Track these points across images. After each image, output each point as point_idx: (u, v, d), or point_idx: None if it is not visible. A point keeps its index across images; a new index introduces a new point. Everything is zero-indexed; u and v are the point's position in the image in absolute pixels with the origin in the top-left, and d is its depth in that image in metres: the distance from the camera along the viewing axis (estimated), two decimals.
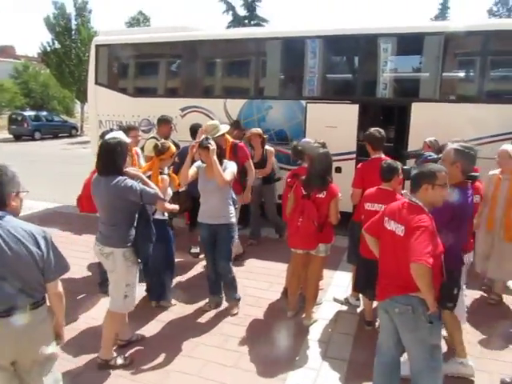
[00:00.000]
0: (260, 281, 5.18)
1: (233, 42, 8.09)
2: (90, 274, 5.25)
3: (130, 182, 3.33)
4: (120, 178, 3.32)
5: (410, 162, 5.46)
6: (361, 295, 4.53)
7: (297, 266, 4.27)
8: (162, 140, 5.07)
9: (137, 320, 4.10)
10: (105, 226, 3.45)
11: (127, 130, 5.11)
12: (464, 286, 3.65)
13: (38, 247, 2.29)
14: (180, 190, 4.84)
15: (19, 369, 2.31)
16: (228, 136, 5.44)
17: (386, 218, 2.79)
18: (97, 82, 8.92)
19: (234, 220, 4.31)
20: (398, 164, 3.79)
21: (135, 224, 3.44)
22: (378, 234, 2.92)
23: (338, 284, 5.06)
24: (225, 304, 4.50)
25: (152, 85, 9.10)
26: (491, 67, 6.78)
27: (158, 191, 3.60)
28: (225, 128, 5.23)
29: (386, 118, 8.11)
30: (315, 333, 4.06)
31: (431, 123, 6.28)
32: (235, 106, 7.70)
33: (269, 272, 5.41)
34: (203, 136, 4.85)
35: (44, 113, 28.50)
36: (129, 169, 3.62)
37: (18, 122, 25.53)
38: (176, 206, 4.24)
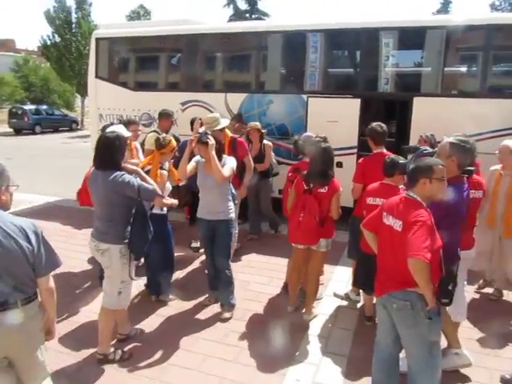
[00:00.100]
0: (260, 275, 5.17)
1: (234, 35, 8.03)
2: (90, 267, 5.24)
3: (127, 177, 3.28)
4: (118, 173, 3.26)
5: None
6: (361, 290, 4.54)
7: (297, 261, 4.25)
8: (163, 134, 5.05)
9: (136, 314, 4.11)
10: (101, 222, 3.39)
11: (127, 123, 5.08)
12: (465, 282, 3.64)
13: (29, 242, 2.27)
14: (180, 184, 4.82)
15: (12, 364, 2.31)
16: (227, 130, 5.40)
17: (385, 213, 2.77)
18: (97, 76, 8.88)
19: (232, 216, 4.26)
20: (401, 159, 3.76)
21: (132, 220, 3.37)
22: (376, 229, 2.90)
23: (338, 279, 5.05)
24: None
25: (153, 78, 9.05)
26: (494, 62, 6.73)
27: (157, 187, 3.56)
28: (225, 122, 5.17)
29: (388, 112, 8.07)
30: (315, 328, 4.05)
31: (433, 118, 6.25)
32: (236, 100, 7.66)
33: (269, 267, 5.40)
34: (202, 129, 4.83)
35: (44, 106, 28.42)
36: (128, 164, 3.59)
37: (19, 116, 25.45)
38: (175, 201, 4.22)
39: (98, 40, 8.88)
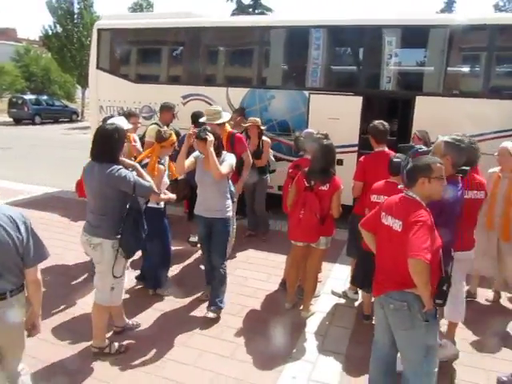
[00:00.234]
0: (258, 272, 5.16)
1: (237, 29, 7.98)
2: (87, 259, 5.20)
3: (124, 171, 3.21)
4: (115, 166, 3.19)
5: None
6: (359, 289, 4.53)
7: (296, 258, 4.23)
8: (165, 127, 5.02)
9: (133, 308, 4.09)
10: (94, 216, 3.32)
11: (128, 115, 5.05)
12: (464, 283, 3.64)
13: (19, 232, 2.28)
14: (178, 178, 4.78)
15: None
16: (227, 125, 5.35)
17: (383, 213, 2.73)
18: (98, 67, 8.82)
19: (230, 214, 4.15)
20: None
21: (125, 215, 3.28)
22: (374, 229, 2.86)
23: (336, 277, 5.04)
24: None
25: (154, 71, 8.99)
26: (497, 62, 6.70)
27: (153, 184, 3.48)
28: (226, 117, 5.13)
29: (390, 111, 8.03)
30: (312, 325, 4.04)
31: (435, 117, 6.22)
32: (237, 94, 7.61)
33: (267, 263, 5.39)
34: (203, 119, 4.78)
35: (44, 97, 28.33)
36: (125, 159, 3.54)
37: (19, 106, 25.34)
38: (172, 196, 4.19)
39: (99, 31, 8.81)
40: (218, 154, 3.95)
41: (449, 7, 35.63)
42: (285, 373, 3.33)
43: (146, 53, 9.30)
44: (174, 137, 4.32)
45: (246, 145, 5.57)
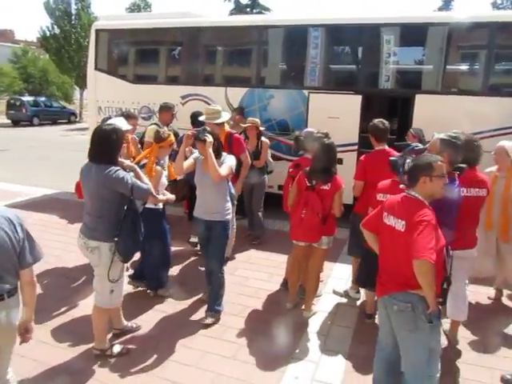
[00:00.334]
0: (260, 272, 5.14)
1: (236, 29, 7.95)
2: (86, 261, 5.18)
3: (122, 173, 3.15)
4: (112, 167, 3.13)
5: None
6: (360, 288, 4.51)
7: (298, 258, 4.21)
8: (165, 128, 4.99)
9: (134, 310, 4.07)
10: (90, 217, 3.27)
11: (126, 117, 5.01)
12: (466, 281, 3.62)
13: (17, 233, 2.28)
14: (178, 178, 4.76)
15: None
16: (226, 125, 5.31)
17: (385, 213, 2.69)
18: (96, 68, 8.80)
19: (229, 217, 4.05)
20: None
21: (122, 217, 3.21)
22: (376, 229, 2.83)
23: (337, 276, 5.02)
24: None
25: (153, 71, 8.95)
26: (496, 60, 6.68)
27: (151, 186, 3.43)
28: (226, 116, 5.11)
29: (390, 109, 8.02)
30: (314, 325, 4.02)
31: (434, 115, 6.21)
32: (236, 94, 7.59)
33: (269, 263, 5.37)
34: (202, 117, 4.74)
35: (43, 98, 28.27)
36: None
37: (17, 107, 25.29)
38: (171, 197, 4.15)
39: (97, 32, 8.79)
40: (218, 156, 3.87)
41: (446, 5, 35.60)
42: (287, 373, 3.31)
43: (145, 53, 9.28)
44: (172, 137, 4.29)
45: (245, 145, 5.51)
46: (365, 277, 3.85)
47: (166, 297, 4.43)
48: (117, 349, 3.48)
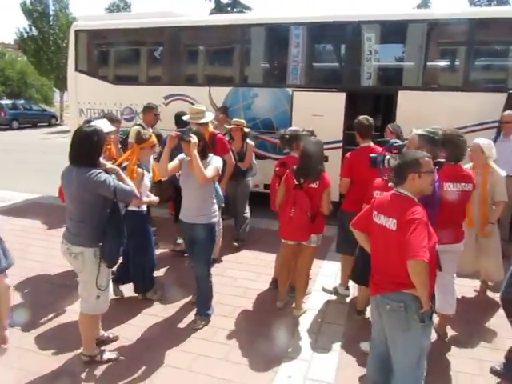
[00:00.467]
0: (248, 271, 5.12)
1: (218, 28, 7.91)
2: (71, 266, 5.11)
3: (103, 176, 3.07)
4: (94, 170, 3.05)
5: None
6: (349, 285, 4.53)
7: (287, 257, 4.20)
8: (150, 129, 4.92)
9: (121, 314, 4.02)
10: (72, 222, 3.19)
11: (110, 121, 4.91)
12: (454, 275, 3.66)
13: None
14: (162, 179, 4.70)
15: None
16: (210, 125, 5.24)
17: (375, 212, 2.67)
18: (77, 69, 8.68)
19: (215, 220, 3.96)
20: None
21: (106, 222, 3.13)
22: (366, 228, 2.80)
23: (326, 273, 5.03)
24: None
25: (134, 72, 8.84)
26: (476, 56, 6.79)
27: (135, 188, 3.36)
28: (209, 116, 5.04)
29: (373, 106, 8.08)
30: (305, 323, 4.02)
31: (417, 111, 6.28)
32: (220, 93, 7.57)
33: (257, 262, 5.35)
34: (186, 117, 4.65)
35: (21, 101, 27.73)
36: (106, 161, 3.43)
37: None
38: (154, 198, 4.09)
39: (77, 32, 8.66)
40: (204, 157, 3.80)
41: (425, 3, 36.05)
42: (280, 373, 3.30)
43: (126, 54, 9.16)
44: (153, 138, 4.22)
45: (228, 146, 5.40)
46: (359, 273, 3.84)
47: (155, 300, 4.38)
48: (106, 354, 3.41)
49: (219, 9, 33.99)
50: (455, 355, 3.53)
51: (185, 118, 4.93)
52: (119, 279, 4.43)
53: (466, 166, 4.28)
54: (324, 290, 4.60)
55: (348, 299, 4.49)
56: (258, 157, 6.63)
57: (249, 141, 6.03)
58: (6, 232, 2.38)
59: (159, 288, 4.51)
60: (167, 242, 5.69)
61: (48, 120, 27.81)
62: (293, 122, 6.95)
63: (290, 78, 7.32)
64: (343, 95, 6.86)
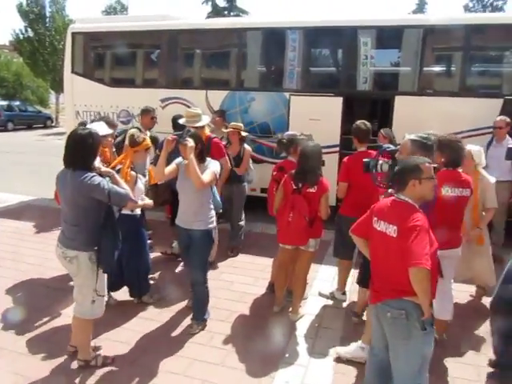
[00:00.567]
0: (245, 276, 5.09)
1: (216, 31, 7.92)
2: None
3: (97, 179, 3.03)
4: (88, 174, 3.02)
5: None
6: (346, 290, 4.53)
7: (285, 261, 4.18)
8: (147, 132, 4.90)
9: (116, 319, 3.98)
10: (67, 226, 3.16)
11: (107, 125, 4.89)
12: (452, 280, 3.66)
13: None
14: (158, 183, 4.67)
15: None
16: (206, 129, 5.21)
17: (375, 218, 2.64)
18: (73, 71, 8.64)
19: (212, 226, 3.87)
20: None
21: (101, 226, 3.10)
22: (366, 235, 2.78)
23: (323, 278, 5.01)
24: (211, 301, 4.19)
25: (131, 75, 8.82)
26: (472, 61, 6.83)
27: (130, 191, 3.33)
28: (205, 120, 5.01)
29: (370, 111, 8.10)
30: (302, 328, 4.00)
31: (414, 116, 6.29)
32: (217, 97, 7.55)
33: (254, 267, 5.33)
34: (181, 120, 4.62)
35: (17, 103, 27.64)
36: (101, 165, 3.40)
37: None
38: (148, 202, 4.05)
39: (74, 34, 8.63)
40: (202, 160, 3.75)
41: (420, 8, 36.36)
42: (277, 378, 3.27)
43: (123, 56, 9.13)
44: (147, 142, 4.18)
45: (224, 150, 5.33)
46: (368, 277, 3.81)
47: (151, 304, 4.35)
48: (101, 360, 3.37)
49: (216, 12, 34.12)
50: (452, 361, 3.53)
51: (180, 121, 4.89)
52: (111, 286, 4.39)
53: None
54: (320, 294, 4.59)
55: (345, 304, 4.48)
56: (255, 161, 6.59)
57: (246, 146, 5.94)
58: (0, 234, 2.34)
59: (154, 292, 4.48)
60: (163, 246, 5.66)
61: (43, 122, 27.73)
62: (290, 126, 6.94)
63: (287, 82, 7.33)
64: (340, 100, 6.87)
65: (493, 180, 4.22)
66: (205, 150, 3.88)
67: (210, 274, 4.24)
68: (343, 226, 4.11)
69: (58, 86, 24.53)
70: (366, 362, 2.90)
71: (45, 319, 4.01)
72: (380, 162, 3.30)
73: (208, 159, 3.87)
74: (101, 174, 3.16)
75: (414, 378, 2.50)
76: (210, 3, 35.75)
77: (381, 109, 7.76)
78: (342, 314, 4.30)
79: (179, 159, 3.87)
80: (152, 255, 5.37)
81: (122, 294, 4.39)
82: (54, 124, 28.22)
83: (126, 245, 3.48)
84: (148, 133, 5.55)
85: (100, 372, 3.29)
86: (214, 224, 3.96)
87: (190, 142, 3.59)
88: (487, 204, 4.18)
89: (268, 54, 7.72)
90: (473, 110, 6.27)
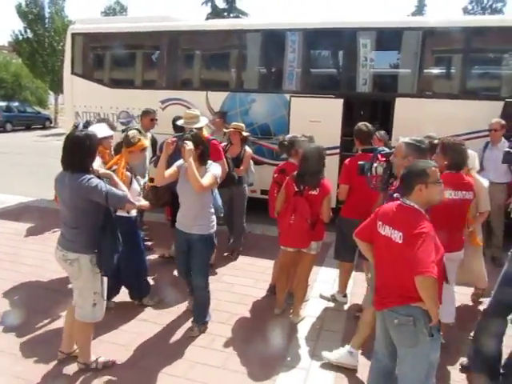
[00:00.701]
0: (245, 278, 5.07)
1: (216, 33, 7.90)
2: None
3: (95, 181, 3.01)
4: (86, 176, 3.00)
5: None
6: (347, 292, 4.51)
7: (286, 264, 4.16)
8: (147, 134, 4.87)
9: (118, 319, 3.96)
10: (66, 228, 3.14)
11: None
12: (454, 284, 3.64)
13: None
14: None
15: None
16: (204, 130, 5.16)
17: (380, 223, 2.60)
18: (73, 72, 8.64)
19: (213, 230, 3.80)
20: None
21: (101, 229, 3.09)
22: (370, 239, 2.74)
23: (323, 280, 4.99)
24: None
25: (131, 76, 8.82)
26: (472, 64, 6.84)
27: (128, 193, 3.30)
28: (204, 121, 4.94)
29: (371, 113, 8.10)
30: (303, 331, 3.98)
31: (414, 119, 6.29)
32: (217, 98, 7.54)
33: (254, 269, 5.31)
34: (180, 121, 4.57)
35: (16, 103, 27.58)
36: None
37: None
38: (144, 203, 4.01)
39: (73, 35, 8.63)
40: (203, 163, 3.70)
41: (419, 11, 36.43)
42: (278, 381, 3.25)
43: (123, 57, 9.12)
44: (143, 142, 4.13)
45: (222, 153, 5.22)
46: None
47: (151, 306, 4.33)
48: (101, 362, 3.35)
49: (216, 14, 34.14)
50: (454, 364, 3.51)
51: (179, 122, 4.87)
52: (109, 292, 4.36)
53: None
54: (321, 297, 4.57)
55: (346, 306, 4.46)
56: (256, 162, 6.57)
57: (247, 148, 5.88)
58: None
59: (154, 294, 4.46)
60: (163, 248, 5.64)
61: (42, 122, 27.69)
62: (290, 127, 6.95)
63: (288, 84, 7.32)
64: (341, 101, 6.87)
65: (486, 184, 4.21)
66: (206, 151, 3.81)
67: (210, 276, 4.22)
68: (344, 228, 4.11)
69: (57, 87, 24.54)
70: (369, 367, 2.88)
71: (45, 321, 3.98)
72: (375, 164, 3.30)
73: (209, 162, 3.82)
74: (99, 176, 3.14)
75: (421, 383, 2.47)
76: (209, 4, 35.79)
77: (381, 111, 7.76)
78: (344, 316, 4.28)
79: (180, 161, 3.81)
80: (151, 257, 5.37)
81: (121, 295, 4.37)
82: (52, 125, 28.16)
83: (124, 247, 3.45)
84: (149, 134, 5.53)
85: (99, 375, 3.27)
86: (215, 229, 3.89)
87: (189, 145, 3.54)
88: (480, 208, 4.16)
89: (268, 56, 7.72)
90: (473, 112, 6.26)
